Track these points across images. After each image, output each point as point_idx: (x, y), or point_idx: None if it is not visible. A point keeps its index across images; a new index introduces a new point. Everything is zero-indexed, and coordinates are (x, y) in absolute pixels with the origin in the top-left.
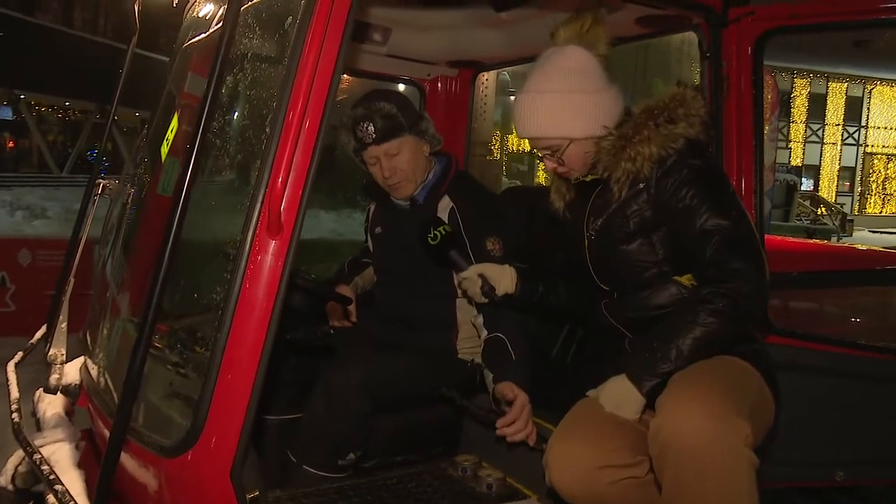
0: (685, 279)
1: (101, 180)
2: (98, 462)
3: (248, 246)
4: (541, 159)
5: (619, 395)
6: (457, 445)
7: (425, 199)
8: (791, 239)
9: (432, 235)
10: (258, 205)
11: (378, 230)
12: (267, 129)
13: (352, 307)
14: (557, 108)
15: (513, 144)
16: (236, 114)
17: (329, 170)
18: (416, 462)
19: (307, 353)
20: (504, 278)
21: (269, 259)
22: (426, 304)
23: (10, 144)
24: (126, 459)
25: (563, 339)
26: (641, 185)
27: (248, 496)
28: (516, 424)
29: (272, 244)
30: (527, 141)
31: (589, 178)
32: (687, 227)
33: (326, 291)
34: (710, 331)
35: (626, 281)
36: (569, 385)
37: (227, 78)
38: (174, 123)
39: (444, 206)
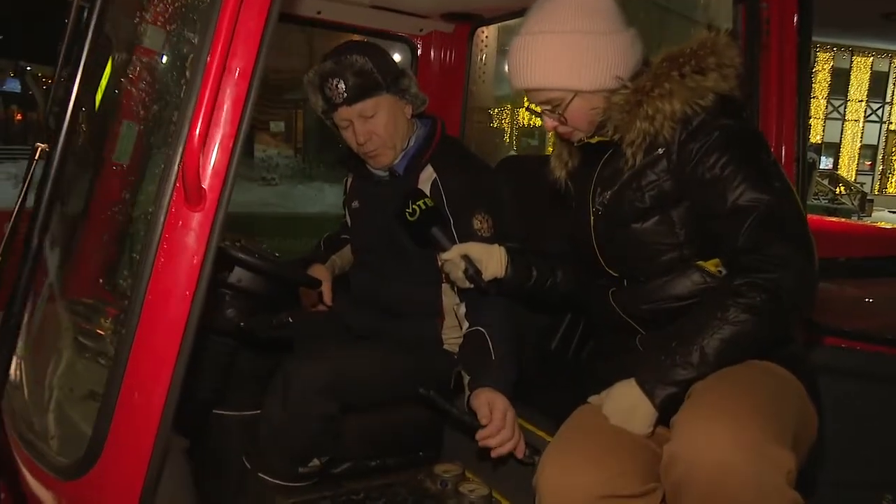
0: (710, 265)
1: (40, 144)
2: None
3: (161, 221)
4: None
5: (626, 405)
6: (439, 451)
7: (406, 169)
8: (832, 219)
9: (410, 210)
10: (174, 169)
11: (355, 205)
12: (187, 75)
13: (326, 290)
14: (560, 52)
15: (523, 118)
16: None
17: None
18: (393, 469)
19: (266, 344)
20: (492, 260)
21: (188, 236)
22: (407, 288)
23: (19, 117)
24: (31, 481)
25: (564, 331)
26: (660, 151)
27: None
28: (499, 436)
29: (193, 218)
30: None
31: (595, 140)
32: (716, 202)
33: (287, 273)
34: (742, 331)
35: (638, 266)
36: (569, 386)
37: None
38: (108, 75)
39: (427, 177)
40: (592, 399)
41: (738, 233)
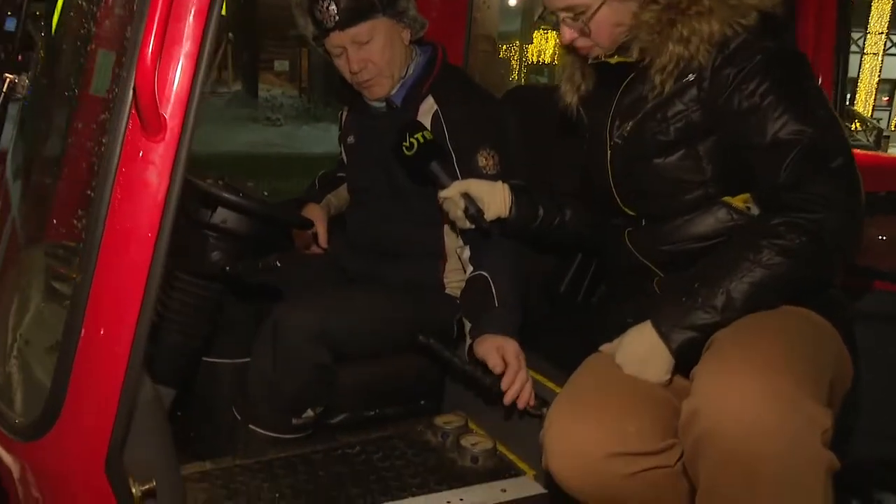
0: (738, 200)
1: (8, 75)
2: None
3: (116, 154)
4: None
5: (641, 351)
6: (440, 401)
7: (404, 100)
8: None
9: (407, 144)
10: (127, 93)
11: (350, 140)
12: None
13: (321, 231)
14: None
15: (532, 55)
16: None
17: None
18: (391, 420)
19: (254, 289)
20: (495, 198)
21: (148, 171)
22: (406, 228)
23: (19, 58)
24: None
25: (574, 274)
26: (691, 77)
27: (142, 488)
28: (518, 380)
29: (152, 150)
30: (548, 46)
31: (615, 61)
32: (753, 134)
33: (276, 213)
34: (775, 275)
35: (658, 204)
36: (579, 332)
37: None
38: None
39: (427, 109)
40: (604, 347)
41: (778, 168)
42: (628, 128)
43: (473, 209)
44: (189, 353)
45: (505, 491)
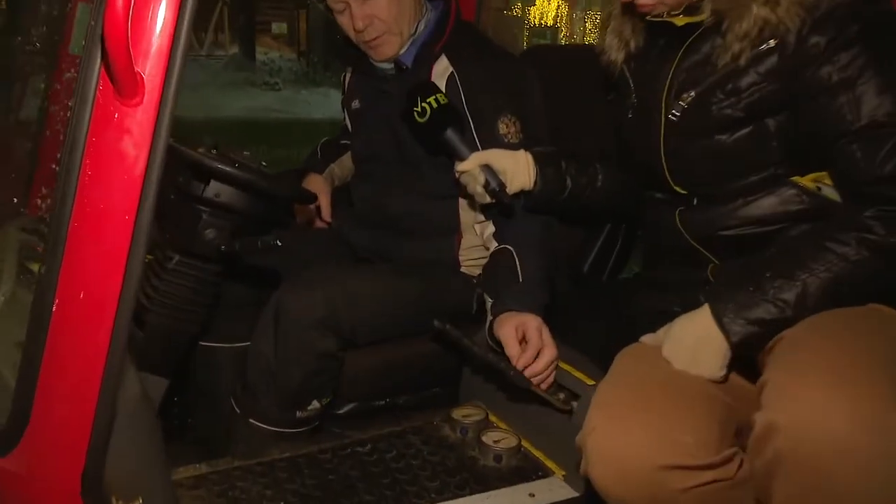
0: (807, 180)
1: None
2: None
3: (85, 121)
4: None
5: (693, 342)
6: (457, 390)
7: (415, 61)
8: None
9: (419, 109)
10: (96, 44)
11: (355, 105)
12: None
13: (324, 204)
14: None
15: (534, 17)
16: None
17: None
18: (403, 409)
19: (253, 271)
20: (518, 170)
21: (123, 141)
22: (418, 202)
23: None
24: None
25: (599, 249)
26: (772, 44)
27: None
28: (542, 359)
29: (129, 115)
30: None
31: (682, 22)
32: (843, 115)
33: (275, 186)
34: (859, 272)
35: (716, 184)
36: (608, 317)
37: None
38: None
39: (441, 70)
40: (647, 338)
41: (874, 155)
42: (688, 99)
43: (495, 183)
44: (183, 340)
45: (534, 496)
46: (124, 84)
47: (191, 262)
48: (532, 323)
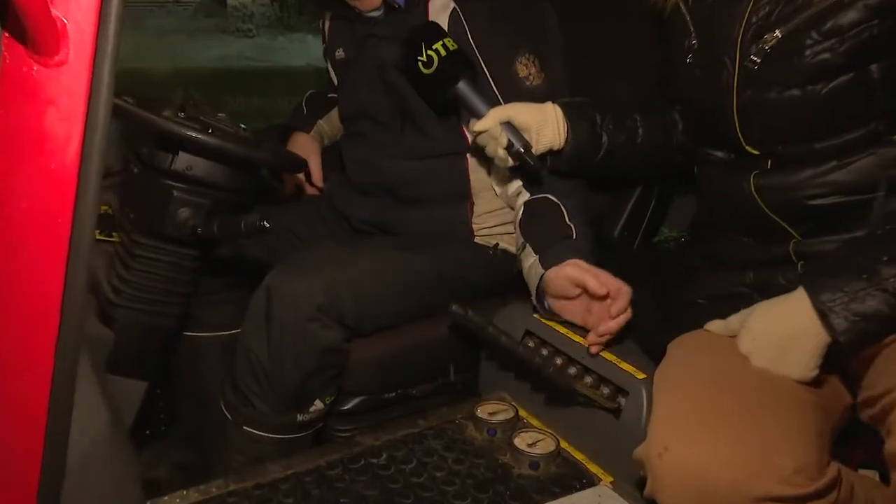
0: None
1: None
2: None
3: None
4: None
5: (782, 336)
6: (476, 373)
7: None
8: None
9: (425, 58)
10: None
11: (339, 54)
12: None
13: (315, 169)
14: None
15: None
16: None
17: None
18: (417, 398)
19: (237, 253)
20: (546, 126)
21: (46, 115)
22: (420, 166)
23: None
24: None
25: (631, 213)
26: None
27: None
28: (620, 300)
29: (50, 80)
30: None
31: None
32: None
33: (256, 153)
34: None
35: (802, 145)
36: (644, 293)
37: None
38: None
39: (440, 6)
40: (715, 326)
41: None
42: (772, 42)
43: (519, 143)
44: (160, 337)
45: None
46: (39, 36)
47: (163, 248)
48: (588, 267)
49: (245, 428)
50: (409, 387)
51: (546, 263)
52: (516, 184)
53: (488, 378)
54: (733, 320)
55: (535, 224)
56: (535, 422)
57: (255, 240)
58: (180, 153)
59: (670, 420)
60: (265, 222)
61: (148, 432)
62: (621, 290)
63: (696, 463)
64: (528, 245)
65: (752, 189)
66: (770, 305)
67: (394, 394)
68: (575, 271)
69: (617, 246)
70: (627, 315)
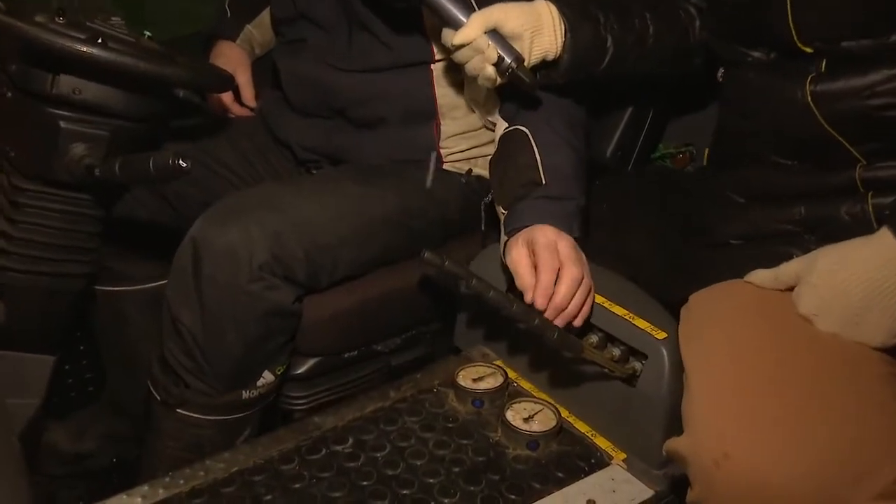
0: None
1: None
2: None
3: None
4: None
5: (860, 290)
6: (452, 321)
7: None
8: None
9: None
10: None
11: None
12: None
13: (245, 86)
14: None
15: None
16: None
17: None
18: (382, 355)
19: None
20: (541, 31)
21: None
22: (375, 79)
23: None
24: None
25: (624, 130)
26: None
27: None
28: (554, 298)
29: None
30: None
31: None
32: None
33: (166, 69)
34: None
35: (875, 37)
36: (650, 226)
37: None
38: None
39: None
40: (759, 277)
41: None
42: None
43: (510, 57)
44: (64, 302)
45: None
46: None
47: (55, 194)
48: (542, 236)
49: (179, 411)
50: (373, 343)
51: (507, 228)
52: (495, 106)
53: (467, 329)
54: (787, 269)
55: (499, 172)
56: (526, 385)
57: (171, 182)
58: (62, 74)
59: (726, 414)
60: (181, 161)
61: (74, 394)
62: (563, 274)
63: (770, 476)
64: (494, 198)
65: (809, 98)
66: (841, 250)
67: (356, 352)
68: (514, 257)
69: (608, 169)
70: (561, 300)
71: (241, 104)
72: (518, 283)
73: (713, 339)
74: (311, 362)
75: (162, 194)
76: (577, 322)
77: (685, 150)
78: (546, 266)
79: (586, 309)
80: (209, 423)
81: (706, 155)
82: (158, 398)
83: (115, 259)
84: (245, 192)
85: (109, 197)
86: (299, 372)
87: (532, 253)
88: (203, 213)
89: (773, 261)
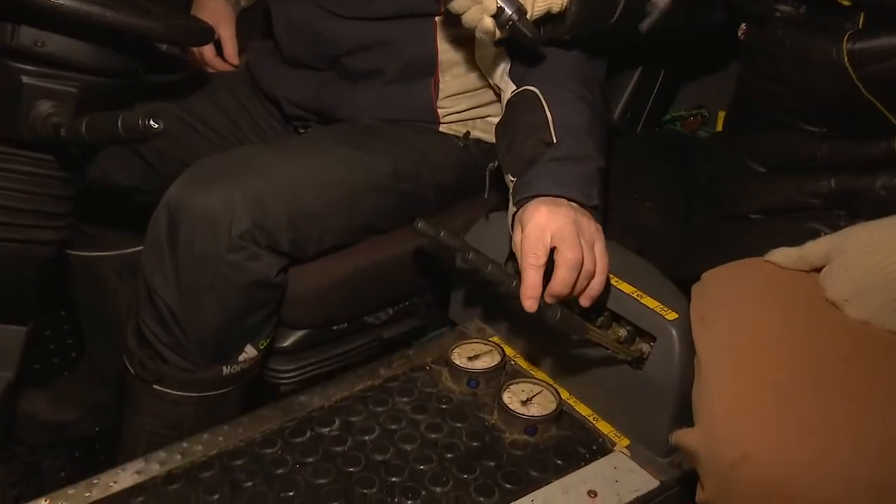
0: None
1: None
2: None
3: None
4: None
5: (891, 271)
6: (447, 294)
7: None
8: None
9: None
10: None
11: None
12: None
13: (228, 38)
14: None
15: None
16: None
17: None
18: (373, 328)
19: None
20: None
21: None
22: (375, 29)
23: None
24: None
25: (634, 90)
26: None
27: None
28: (551, 286)
29: None
30: None
31: None
32: None
33: (141, 24)
34: None
35: None
36: (659, 195)
37: None
38: None
39: None
40: (783, 255)
41: None
42: None
43: (512, 8)
44: (33, 270)
45: (595, 496)
46: None
47: (20, 155)
48: (568, 220)
49: (155, 387)
50: (364, 315)
51: (516, 198)
52: (502, 67)
53: (463, 303)
54: (814, 248)
55: (506, 136)
56: (525, 364)
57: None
58: (22, 24)
59: (745, 411)
60: (152, 121)
61: (56, 360)
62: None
63: (793, 480)
64: (501, 164)
65: (844, 57)
66: (875, 229)
67: (346, 325)
68: (516, 240)
69: (621, 130)
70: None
71: (223, 60)
72: (523, 271)
73: (729, 322)
74: (298, 335)
75: (140, 154)
76: (584, 303)
77: (697, 112)
78: (567, 262)
79: (593, 291)
80: (188, 400)
81: (720, 119)
82: (133, 373)
83: (92, 223)
84: (225, 153)
85: (81, 158)
86: (285, 345)
87: (549, 233)
88: (182, 175)
89: (797, 238)
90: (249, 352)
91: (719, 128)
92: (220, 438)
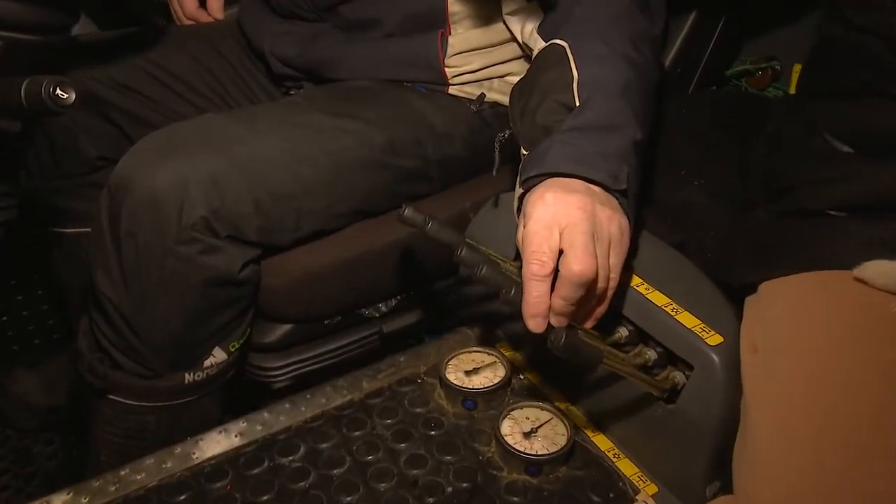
0: None
1: None
2: None
3: None
4: None
5: None
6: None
7: None
8: None
9: None
10: None
11: None
12: None
13: None
14: None
15: None
16: None
17: None
18: (354, 326)
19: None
20: None
21: None
22: None
23: None
24: None
25: (685, 40)
26: None
27: None
28: (553, 306)
29: None
30: None
31: None
32: None
33: None
34: None
35: None
36: (710, 181)
37: None
38: None
39: None
40: (879, 269)
41: None
42: None
43: None
44: None
45: None
46: None
47: None
48: (582, 214)
49: (110, 397)
50: (358, 308)
51: (523, 177)
52: (533, 23)
53: (465, 300)
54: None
55: (524, 93)
56: (534, 379)
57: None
58: None
59: (804, 482)
60: (60, 90)
61: (37, 341)
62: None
63: None
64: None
65: None
66: None
67: (339, 318)
68: (519, 236)
69: (665, 89)
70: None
71: (206, 12)
72: (526, 263)
73: (792, 362)
74: (284, 329)
75: (109, 119)
76: (586, 325)
77: (767, 65)
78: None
79: (597, 314)
80: (147, 410)
81: (794, 75)
82: (85, 378)
83: (68, 198)
84: (182, 123)
85: (26, 126)
86: (270, 341)
87: (556, 225)
88: (131, 148)
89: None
90: (218, 356)
91: (793, 88)
92: (167, 465)
